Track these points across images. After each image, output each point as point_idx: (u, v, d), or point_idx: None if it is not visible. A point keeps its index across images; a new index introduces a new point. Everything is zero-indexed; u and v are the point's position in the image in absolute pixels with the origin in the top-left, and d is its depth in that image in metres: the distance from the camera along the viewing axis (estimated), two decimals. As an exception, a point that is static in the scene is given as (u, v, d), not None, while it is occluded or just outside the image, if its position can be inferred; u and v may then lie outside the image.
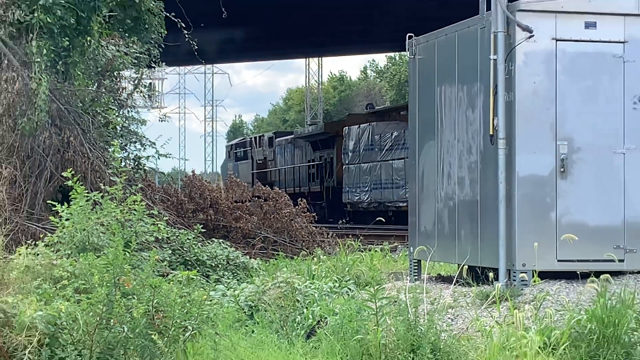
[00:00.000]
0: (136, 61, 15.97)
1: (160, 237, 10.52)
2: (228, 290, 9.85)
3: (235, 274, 11.76)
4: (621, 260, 9.83)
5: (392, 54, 70.77)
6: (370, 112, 40.50)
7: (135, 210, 8.70)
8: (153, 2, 14.43)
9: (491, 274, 10.01)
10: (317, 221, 20.34)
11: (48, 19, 12.32)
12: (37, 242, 8.58)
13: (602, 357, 6.97)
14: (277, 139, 47.77)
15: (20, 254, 8.12)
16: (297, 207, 18.14)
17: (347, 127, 37.99)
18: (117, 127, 15.77)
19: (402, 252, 15.84)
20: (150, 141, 16.45)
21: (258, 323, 8.48)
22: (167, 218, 11.58)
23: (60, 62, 12.89)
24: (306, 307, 8.77)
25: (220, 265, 11.93)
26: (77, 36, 13.20)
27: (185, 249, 11.79)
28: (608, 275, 7.85)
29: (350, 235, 18.64)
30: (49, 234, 8.89)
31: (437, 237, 11.64)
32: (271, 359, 6.88)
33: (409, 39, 12.34)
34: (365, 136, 36.01)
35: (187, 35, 15.13)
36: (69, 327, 6.94)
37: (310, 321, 8.34)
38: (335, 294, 9.75)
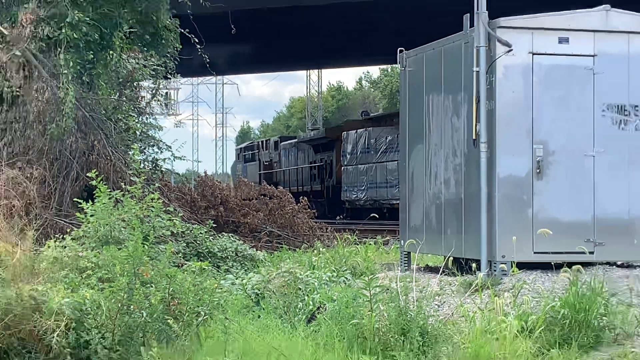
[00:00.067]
0: (154, 73, 15.99)
1: (175, 232, 10.51)
2: (236, 279, 9.85)
3: (243, 265, 11.75)
4: (591, 253, 9.79)
5: (385, 67, 70.95)
6: (367, 118, 40.62)
7: (153, 207, 8.68)
8: (169, 20, 14.42)
9: (474, 265, 9.97)
10: (318, 217, 20.38)
11: (74, 34, 12.29)
12: (64, 236, 8.59)
13: (574, 340, 6.93)
14: (282, 143, 47.84)
15: (49, 247, 8.13)
16: (299, 204, 18.15)
17: (345, 132, 38.09)
18: (137, 132, 15.75)
19: (393, 245, 15.79)
20: (166, 145, 16.45)
21: (263, 309, 8.48)
22: (181, 214, 11.54)
23: (85, 74, 12.88)
24: (307, 295, 8.77)
25: (229, 257, 11.92)
26: (100, 50, 13.19)
27: (198, 242, 11.77)
28: (579, 266, 7.82)
29: (347, 230, 18.64)
30: (75, 229, 8.88)
31: (425, 231, 11.61)
32: (275, 342, 6.82)
33: (399, 52, 12.33)
34: (362, 140, 36.08)
35: (199, 50, 15.10)
36: (93, 313, 6.95)
37: (311, 307, 8.33)
38: (334, 282, 9.74)
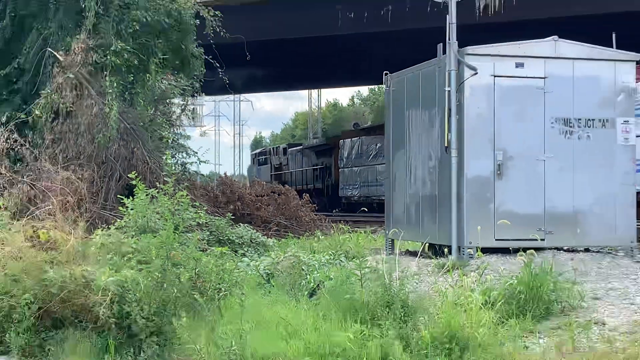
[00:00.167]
0: (183, 92, 16.01)
1: (200, 222, 10.48)
2: (251, 262, 9.83)
3: (256, 250, 11.74)
4: (542, 240, 9.78)
5: (373, 86, 70.81)
6: (359, 129, 40.59)
7: (182, 202, 8.64)
8: (195, 49, 14.42)
9: (446, 250, 9.97)
10: (319, 210, 20.30)
11: (118, 60, 12.29)
12: (109, 226, 8.56)
13: (529, 312, 6.94)
14: (290, 149, 47.71)
15: (97, 235, 8.11)
16: (302, 200, 18.14)
17: (342, 140, 38.06)
18: (169, 140, 15.77)
19: (380, 233, 15.75)
20: (193, 151, 16.50)
21: (273, 286, 8.48)
22: (205, 208, 11.49)
23: (126, 93, 12.91)
24: (309, 274, 8.76)
25: (245, 243, 11.91)
26: (139, 73, 13.20)
27: (219, 231, 11.76)
28: (533, 250, 7.81)
29: (342, 221, 18.67)
30: (118, 220, 8.85)
31: (406, 222, 11.62)
32: (283, 313, 6.82)
33: (385, 75, 12.35)
34: (356, 147, 36.01)
35: (220, 73, 15.09)
36: (133, 289, 6.91)
37: (312, 285, 8.33)
38: (331, 264, 9.71)
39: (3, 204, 9.23)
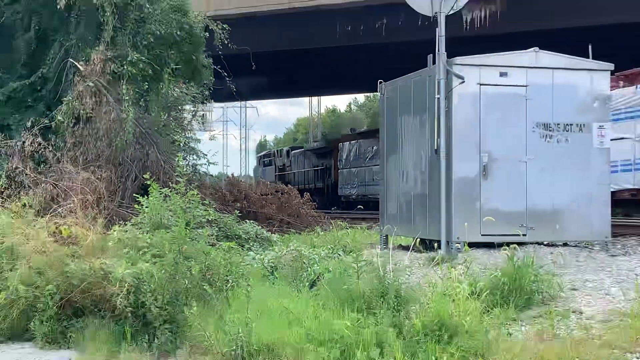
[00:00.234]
0: (193, 99, 15.98)
1: (210, 219, 10.46)
2: (256, 255, 9.82)
3: (261, 244, 11.72)
4: (524, 235, 9.78)
5: (368, 94, 70.83)
6: (357, 133, 40.49)
7: (193, 200, 8.64)
8: (205, 59, 14.43)
9: (436, 244, 10.00)
10: (318, 208, 20.31)
11: (134, 70, 12.29)
12: (126, 223, 8.57)
13: (512, 301, 6.92)
14: (293, 151, 47.60)
15: (114, 231, 8.12)
16: (303, 198, 18.12)
17: (341, 143, 38.00)
18: (181, 144, 15.70)
19: (375, 230, 15.76)
20: (203, 153, 16.44)
21: (277, 278, 8.45)
22: (214, 206, 11.49)
23: (141, 100, 12.87)
24: (309, 267, 8.73)
25: (251, 238, 11.90)
26: (153, 82, 13.18)
27: (227, 227, 11.71)
28: (515, 245, 7.79)
29: (340, 218, 18.59)
30: (134, 217, 8.84)
31: (399, 219, 11.60)
32: (286, 302, 6.78)
33: (379, 84, 12.34)
34: (353, 149, 35.97)
35: (228, 81, 15.08)
36: (148, 281, 6.95)
37: (312, 276, 8.30)
38: (330, 257, 9.70)
39: (28, 203, 9.24)
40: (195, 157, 16.36)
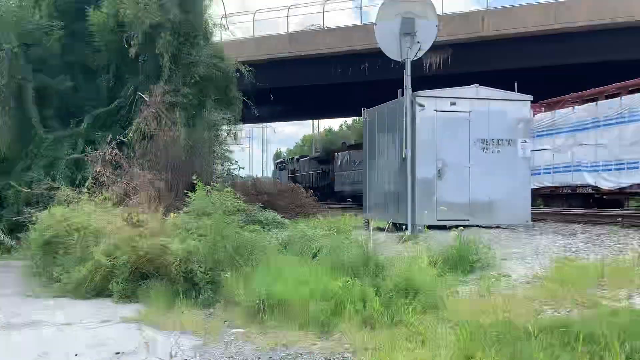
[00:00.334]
0: (228, 121, 15.93)
1: (239, 209, 10.39)
2: (274, 235, 9.80)
3: (277, 227, 11.68)
4: (468, 220, 9.86)
5: (355, 117, 70.70)
6: (348, 145, 40.48)
7: (227, 195, 8.63)
8: (236, 92, 14.47)
9: (404, 227, 10.01)
10: (319, 200, 20.25)
11: (184, 100, 12.30)
12: (179, 211, 8.53)
13: (459, 268, 6.95)
14: (301, 159, 47.45)
15: (171, 217, 8.10)
16: (307, 193, 18.12)
17: (337, 153, 38.00)
18: (218, 154, 15.69)
19: (360, 216, 15.78)
20: (235, 161, 16.41)
21: (288, 251, 8.42)
22: (243, 199, 11.47)
23: (190, 122, 12.87)
24: (312, 243, 8.70)
25: (269, 223, 11.83)
26: (199, 109, 13.19)
27: (252, 214, 11.67)
28: (462, 227, 7.84)
29: (335, 208, 18.64)
30: (185, 207, 8.84)
31: (377, 208, 11.66)
32: (295, 269, 6.78)
33: (363, 110, 12.39)
34: (346, 158, 35.93)
35: (253, 108, 15.07)
36: (195, 253, 6.93)
37: (314, 250, 8.26)
38: (327, 236, 9.69)
39: (108, 197, 9.24)
40: (229, 164, 16.30)
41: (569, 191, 16.37)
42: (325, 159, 41.62)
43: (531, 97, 10.90)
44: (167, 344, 5.28)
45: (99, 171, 10.97)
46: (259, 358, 4.85)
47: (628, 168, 14.07)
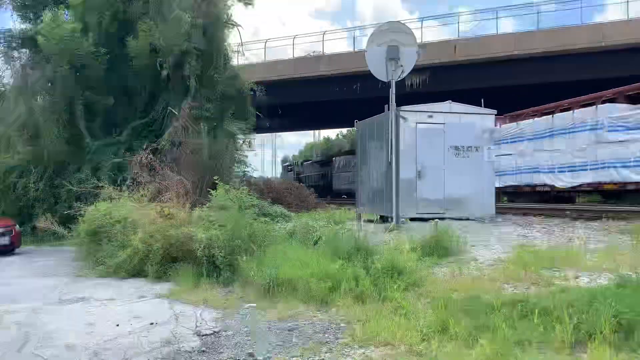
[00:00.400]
0: (243, 131, 15.91)
1: (253, 204, 10.39)
2: (282, 226, 9.79)
3: (284, 219, 11.67)
4: (443, 213, 9.83)
5: (349, 128, 70.48)
6: (344, 151, 40.49)
7: (243, 193, 8.63)
8: (250, 107, 14.49)
9: (390, 219, 9.99)
10: (320, 197, 20.24)
11: (207, 114, 12.35)
12: (203, 206, 8.53)
13: (435, 253, 6.87)
14: (305, 163, 47.42)
15: (197, 211, 8.11)
16: (310, 191, 18.12)
17: (335, 158, 38.08)
18: (236, 158, 15.70)
19: (353, 210, 15.79)
20: (249, 164, 16.42)
21: (294, 239, 8.39)
22: (257, 196, 11.48)
23: (212, 132, 12.87)
24: (314, 232, 8.66)
25: (278, 215, 11.84)
26: (219, 121, 13.21)
27: (264, 209, 11.66)
28: (438, 219, 7.82)
29: (333, 203, 18.62)
30: (208, 202, 8.85)
31: (368, 203, 11.63)
32: (299, 254, 6.77)
33: (355, 122, 12.37)
34: (342, 161, 35.95)
35: (264, 120, 15.08)
36: (216, 240, 6.93)
37: (315, 238, 8.22)
38: (326, 226, 9.68)
39: (144, 194, 9.25)
40: (244, 166, 16.35)
41: (530, 189, 16.37)
42: (325, 162, 41.59)
43: (495, 111, 10.90)
44: (193, 316, 5.30)
45: (137, 173, 10.98)
46: (269, 328, 4.86)
47: (579, 170, 14.10)
